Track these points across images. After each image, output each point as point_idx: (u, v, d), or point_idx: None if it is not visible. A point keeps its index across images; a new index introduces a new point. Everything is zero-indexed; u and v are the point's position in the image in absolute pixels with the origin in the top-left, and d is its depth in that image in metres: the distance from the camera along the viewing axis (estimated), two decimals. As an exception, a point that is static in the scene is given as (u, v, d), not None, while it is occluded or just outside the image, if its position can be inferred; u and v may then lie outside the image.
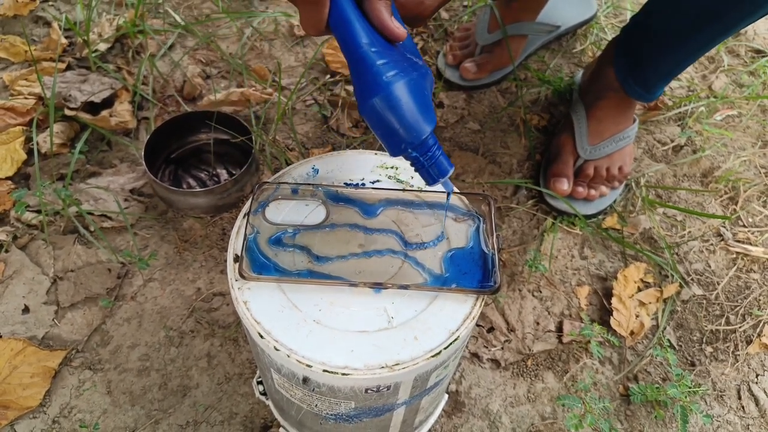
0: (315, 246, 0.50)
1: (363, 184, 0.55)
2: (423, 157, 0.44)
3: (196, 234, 0.87)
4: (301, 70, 1.09)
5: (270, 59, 1.11)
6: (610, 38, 1.16)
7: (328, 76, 1.07)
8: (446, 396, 0.73)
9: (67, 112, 0.94)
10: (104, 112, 0.96)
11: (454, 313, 0.48)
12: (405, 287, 0.48)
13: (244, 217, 0.52)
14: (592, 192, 0.91)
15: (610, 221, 0.92)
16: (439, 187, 0.57)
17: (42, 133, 0.93)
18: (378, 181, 0.56)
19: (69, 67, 1.05)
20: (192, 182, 0.93)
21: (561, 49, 1.15)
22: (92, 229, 0.85)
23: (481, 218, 0.52)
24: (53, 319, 0.78)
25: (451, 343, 0.46)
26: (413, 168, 0.46)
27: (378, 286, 0.48)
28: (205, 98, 1.01)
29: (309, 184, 0.54)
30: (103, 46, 1.08)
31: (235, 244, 0.51)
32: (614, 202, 0.94)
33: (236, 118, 0.91)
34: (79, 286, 0.80)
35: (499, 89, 1.09)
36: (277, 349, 0.45)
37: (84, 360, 0.76)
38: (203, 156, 0.96)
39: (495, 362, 0.78)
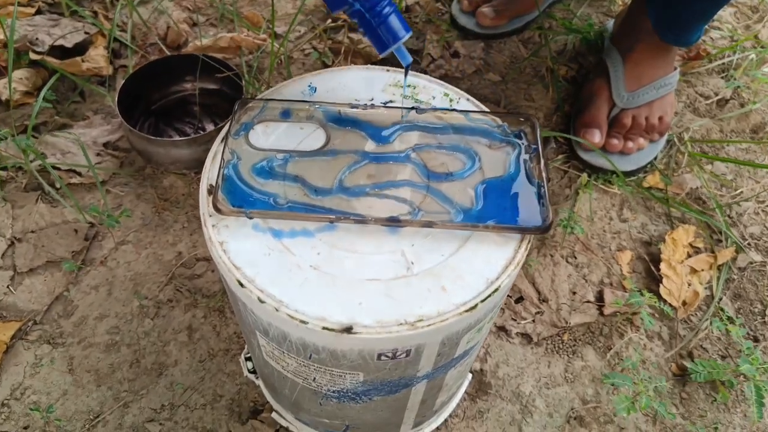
0: (312, 176, 0.39)
1: (372, 105, 0.44)
2: (368, 13, 0.37)
3: (178, 192, 0.76)
4: (299, 18, 0.97)
5: (265, 6, 1.00)
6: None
7: (329, 21, 0.96)
8: (469, 375, 0.62)
9: (33, 56, 0.83)
10: (76, 58, 0.85)
11: (493, 258, 0.36)
12: (429, 225, 0.37)
13: (222, 141, 0.41)
14: (629, 144, 0.79)
15: (652, 180, 0.80)
16: (470, 105, 0.46)
17: (2, 80, 0.82)
18: (391, 101, 0.45)
19: (39, 12, 0.94)
20: (175, 135, 0.81)
21: (589, -4, 1.03)
22: (58, 185, 0.73)
23: (522, 144, 0.41)
24: (8, 287, 0.67)
25: (489, 295, 0.35)
26: (361, 30, 0.39)
27: (394, 224, 0.37)
28: (190, 45, 0.90)
29: (304, 102, 0.43)
30: (78, -10, 0.97)
31: (210, 173, 0.39)
32: (655, 158, 0.82)
33: (225, 63, 0.79)
34: (41, 248, 0.69)
35: (521, 39, 0.97)
36: (262, 301, 0.34)
37: (42, 333, 0.64)
38: (188, 108, 0.85)
39: (526, 337, 0.66)
